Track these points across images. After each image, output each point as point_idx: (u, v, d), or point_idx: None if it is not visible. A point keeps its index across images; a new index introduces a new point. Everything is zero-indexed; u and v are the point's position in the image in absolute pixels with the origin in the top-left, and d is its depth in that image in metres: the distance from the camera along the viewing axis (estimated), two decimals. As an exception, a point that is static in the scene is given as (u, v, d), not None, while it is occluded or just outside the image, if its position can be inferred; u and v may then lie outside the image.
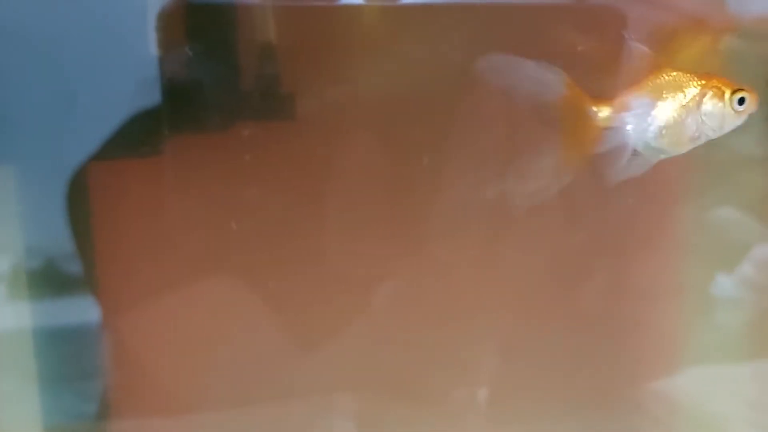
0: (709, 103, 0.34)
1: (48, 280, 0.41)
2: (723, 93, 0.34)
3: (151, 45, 0.37)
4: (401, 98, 0.39)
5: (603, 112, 0.34)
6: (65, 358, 0.42)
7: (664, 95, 0.34)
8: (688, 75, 0.34)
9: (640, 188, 0.42)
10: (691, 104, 0.34)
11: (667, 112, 0.35)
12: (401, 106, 0.39)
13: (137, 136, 0.38)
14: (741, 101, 0.34)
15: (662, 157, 0.35)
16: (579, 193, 0.41)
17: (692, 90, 0.34)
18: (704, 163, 0.47)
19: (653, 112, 0.35)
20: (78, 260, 0.41)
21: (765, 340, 0.44)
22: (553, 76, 0.34)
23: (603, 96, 0.35)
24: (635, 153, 0.35)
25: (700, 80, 0.34)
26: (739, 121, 0.35)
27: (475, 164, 0.41)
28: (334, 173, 0.38)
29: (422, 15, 0.40)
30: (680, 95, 0.34)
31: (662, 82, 0.34)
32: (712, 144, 0.50)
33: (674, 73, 0.34)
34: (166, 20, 0.36)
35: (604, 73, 0.37)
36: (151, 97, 0.38)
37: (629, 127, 0.34)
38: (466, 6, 0.41)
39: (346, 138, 0.39)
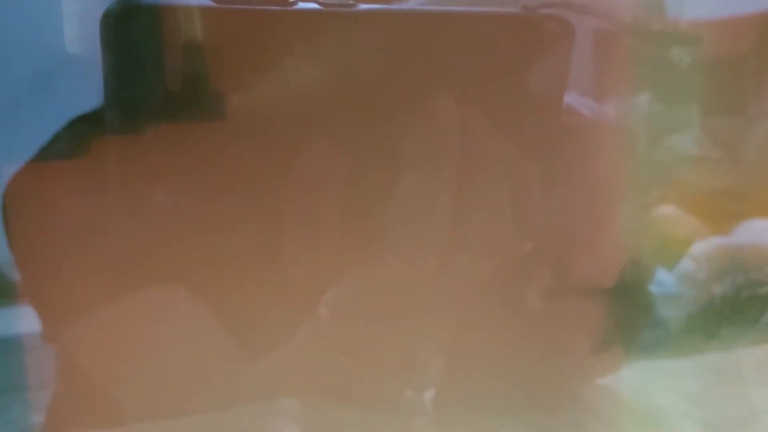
0: None
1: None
2: None
3: (72, 44, 0.36)
4: (342, 98, 0.39)
5: None
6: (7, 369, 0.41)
7: None
8: None
9: (581, 187, 0.42)
10: None
11: None
12: (342, 106, 0.39)
13: (61, 138, 0.37)
14: None
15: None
16: (524, 193, 0.41)
17: None
18: (644, 162, 0.47)
19: None
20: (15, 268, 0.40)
21: (704, 335, 0.45)
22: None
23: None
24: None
25: None
26: None
27: (424, 169, 0.41)
28: (270, 174, 0.38)
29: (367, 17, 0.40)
30: None
31: None
32: (652, 143, 0.51)
33: None
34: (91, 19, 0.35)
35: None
36: (75, 97, 0.37)
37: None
38: (413, 14, 0.41)
39: (280, 139, 0.38)
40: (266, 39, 0.37)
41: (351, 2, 0.38)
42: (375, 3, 0.39)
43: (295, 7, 0.38)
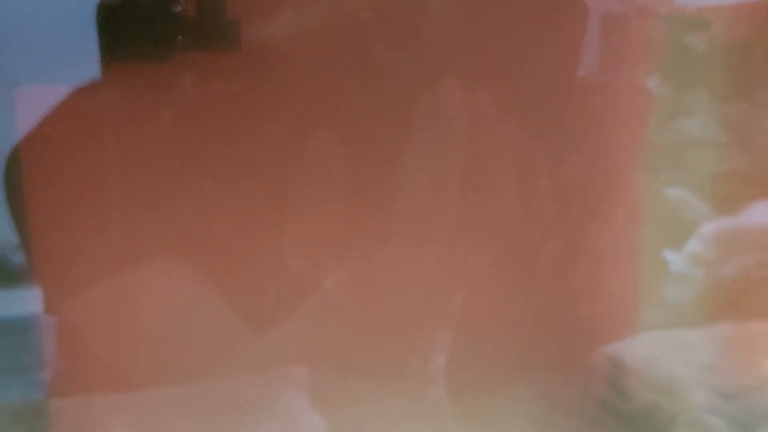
0: None
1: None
2: None
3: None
4: (366, 28, 0.38)
5: None
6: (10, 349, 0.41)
7: None
8: None
9: (596, 157, 0.43)
10: None
11: None
12: (366, 37, 0.39)
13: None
14: None
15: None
16: (535, 164, 0.41)
17: None
18: (654, 145, 0.48)
19: None
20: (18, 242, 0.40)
21: (714, 310, 0.45)
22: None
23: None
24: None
25: None
26: None
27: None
28: (284, 111, 0.38)
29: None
30: None
31: None
32: (660, 127, 0.51)
33: None
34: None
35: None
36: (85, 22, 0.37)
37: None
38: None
39: (298, 71, 0.38)
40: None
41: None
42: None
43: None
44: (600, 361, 0.40)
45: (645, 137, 0.45)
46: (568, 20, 0.44)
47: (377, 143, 0.40)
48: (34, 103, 0.37)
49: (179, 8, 0.35)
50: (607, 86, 0.46)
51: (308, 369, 0.42)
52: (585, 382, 0.40)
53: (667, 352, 0.40)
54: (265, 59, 0.37)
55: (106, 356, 0.41)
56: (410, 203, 0.41)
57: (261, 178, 0.40)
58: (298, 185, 0.40)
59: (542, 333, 0.41)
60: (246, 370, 0.41)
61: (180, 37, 0.36)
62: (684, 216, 0.50)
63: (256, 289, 0.41)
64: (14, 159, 0.38)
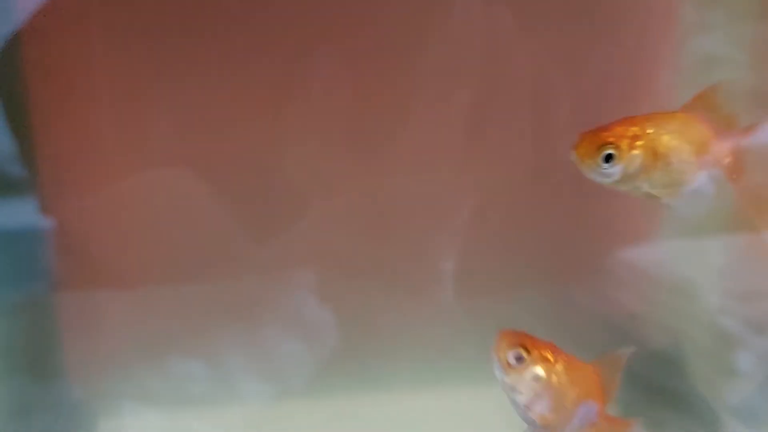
0: None
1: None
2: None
3: None
4: None
5: None
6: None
7: None
8: None
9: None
10: None
11: None
12: None
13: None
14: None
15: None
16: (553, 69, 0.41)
17: None
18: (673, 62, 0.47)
19: None
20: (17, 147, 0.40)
21: (726, 224, 0.45)
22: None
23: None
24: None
25: None
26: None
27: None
28: (291, 26, 0.38)
29: None
30: None
31: None
32: (680, 45, 0.50)
33: None
34: None
35: None
36: None
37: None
38: None
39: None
40: None
41: None
42: None
43: None
44: (615, 264, 0.40)
45: (669, 41, 0.45)
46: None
47: (389, 56, 0.40)
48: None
49: None
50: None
51: (315, 273, 0.42)
52: (599, 286, 0.41)
53: (682, 257, 0.40)
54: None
55: (116, 257, 0.41)
56: (423, 116, 0.41)
57: (270, 91, 0.40)
58: (304, 99, 0.40)
59: (557, 237, 0.41)
60: (253, 273, 0.42)
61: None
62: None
63: (262, 199, 0.41)
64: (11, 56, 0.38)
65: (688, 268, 0.40)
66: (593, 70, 0.43)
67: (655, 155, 0.27)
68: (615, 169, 0.26)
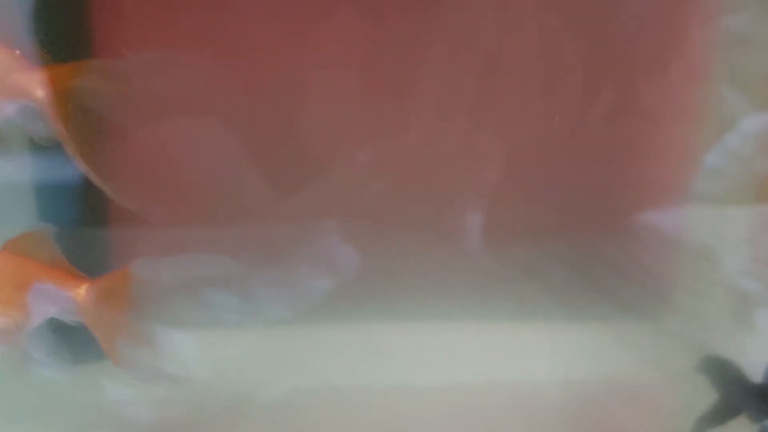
0: None
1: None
2: None
3: None
4: None
5: None
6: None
7: None
8: None
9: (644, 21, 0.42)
10: None
11: None
12: None
13: None
14: None
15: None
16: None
17: None
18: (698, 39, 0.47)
19: None
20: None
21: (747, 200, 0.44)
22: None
23: None
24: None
25: None
26: None
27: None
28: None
29: None
30: None
31: None
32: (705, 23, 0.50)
33: None
34: None
35: None
36: None
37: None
38: None
39: None
40: None
41: None
42: None
43: None
44: (641, 224, 0.40)
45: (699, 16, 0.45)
46: None
47: (404, 15, 0.40)
48: None
49: None
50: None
51: (342, 222, 0.42)
52: (626, 243, 0.40)
53: (705, 223, 0.40)
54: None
55: (151, 202, 0.41)
56: (452, 67, 0.40)
57: (296, 43, 0.40)
58: (330, 51, 0.40)
59: (588, 192, 0.41)
60: (281, 221, 0.41)
61: None
62: (724, 111, 0.49)
63: (290, 150, 0.41)
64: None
65: (711, 234, 0.39)
66: (626, 27, 0.42)
67: None
68: None
